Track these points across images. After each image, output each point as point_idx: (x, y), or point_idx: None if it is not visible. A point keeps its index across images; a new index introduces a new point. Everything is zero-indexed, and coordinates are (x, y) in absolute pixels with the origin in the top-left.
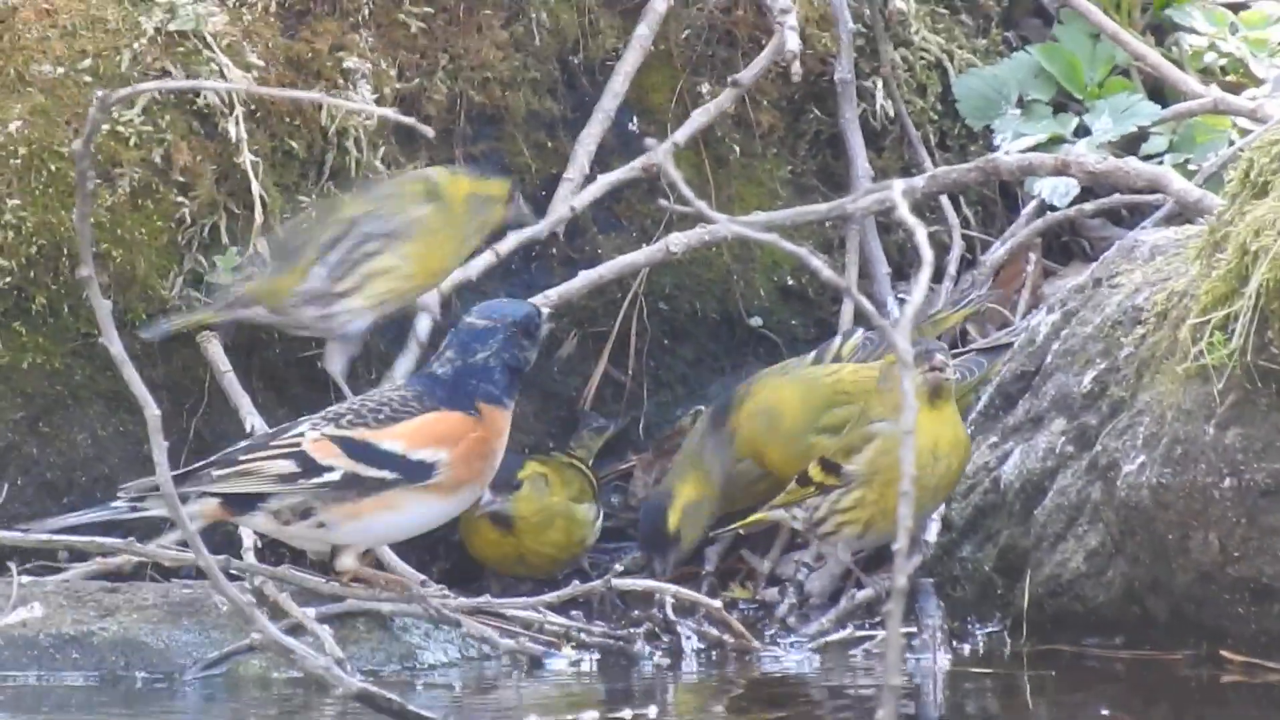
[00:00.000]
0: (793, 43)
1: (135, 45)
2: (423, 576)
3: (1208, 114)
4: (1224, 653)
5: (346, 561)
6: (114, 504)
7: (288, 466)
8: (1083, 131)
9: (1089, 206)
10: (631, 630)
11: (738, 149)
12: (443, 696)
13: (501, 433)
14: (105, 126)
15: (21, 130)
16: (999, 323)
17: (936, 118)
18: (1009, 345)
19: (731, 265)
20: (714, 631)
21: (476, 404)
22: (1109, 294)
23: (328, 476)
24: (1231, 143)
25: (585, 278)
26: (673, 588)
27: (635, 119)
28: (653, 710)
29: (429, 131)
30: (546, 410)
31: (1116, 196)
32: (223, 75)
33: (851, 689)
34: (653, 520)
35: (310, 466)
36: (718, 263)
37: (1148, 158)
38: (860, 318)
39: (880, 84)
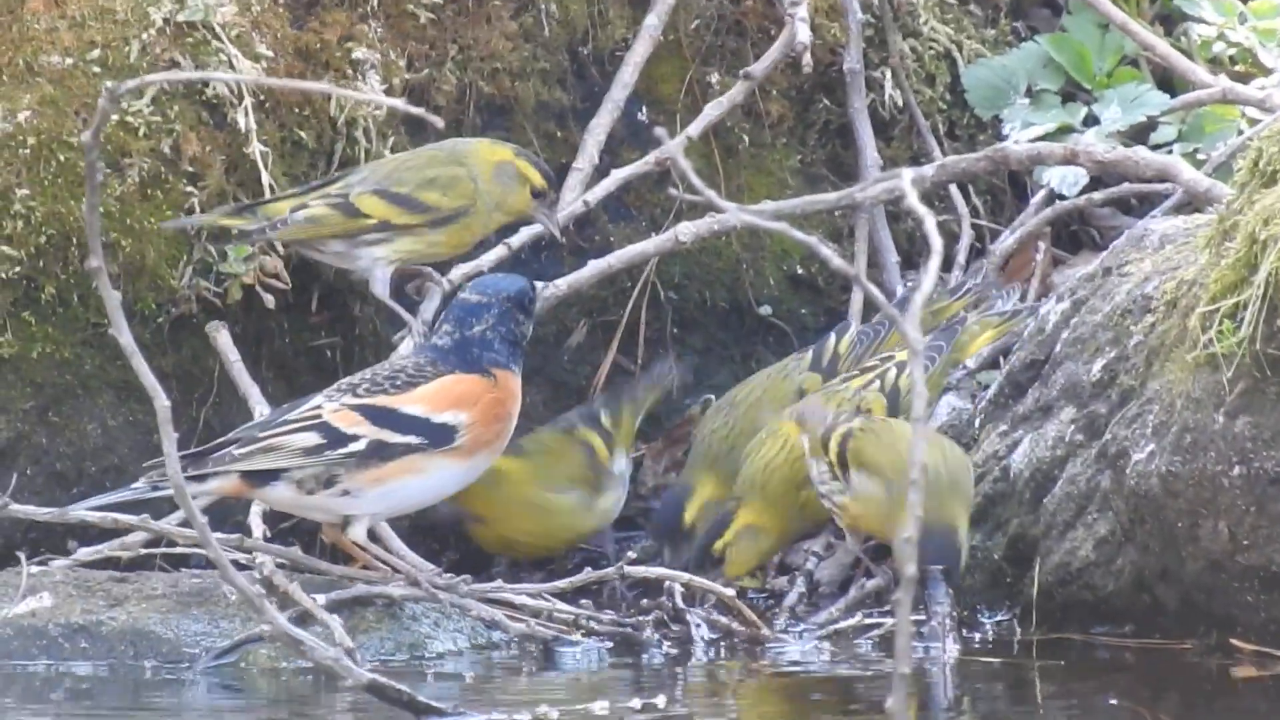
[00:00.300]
0: (804, 34)
1: (144, 36)
2: (433, 566)
3: (1216, 103)
4: (1234, 641)
5: (358, 533)
6: (135, 485)
7: (312, 439)
8: (1091, 121)
9: (1098, 195)
10: (641, 619)
11: (747, 139)
12: (452, 686)
13: (515, 395)
14: (114, 117)
15: (30, 120)
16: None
17: (945, 107)
18: (961, 321)
19: (741, 254)
20: (724, 620)
21: (488, 368)
22: (1118, 283)
23: (353, 446)
24: (1240, 132)
25: (595, 267)
26: (685, 575)
27: (644, 109)
28: (662, 699)
29: (439, 122)
30: (556, 399)
31: (1125, 186)
32: (231, 66)
33: (861, 678)
34: (670, 511)
35: (336, 437)
36: (727, 252)
37: (1156, 147)
38: (870, 308)
39: (889, 74)
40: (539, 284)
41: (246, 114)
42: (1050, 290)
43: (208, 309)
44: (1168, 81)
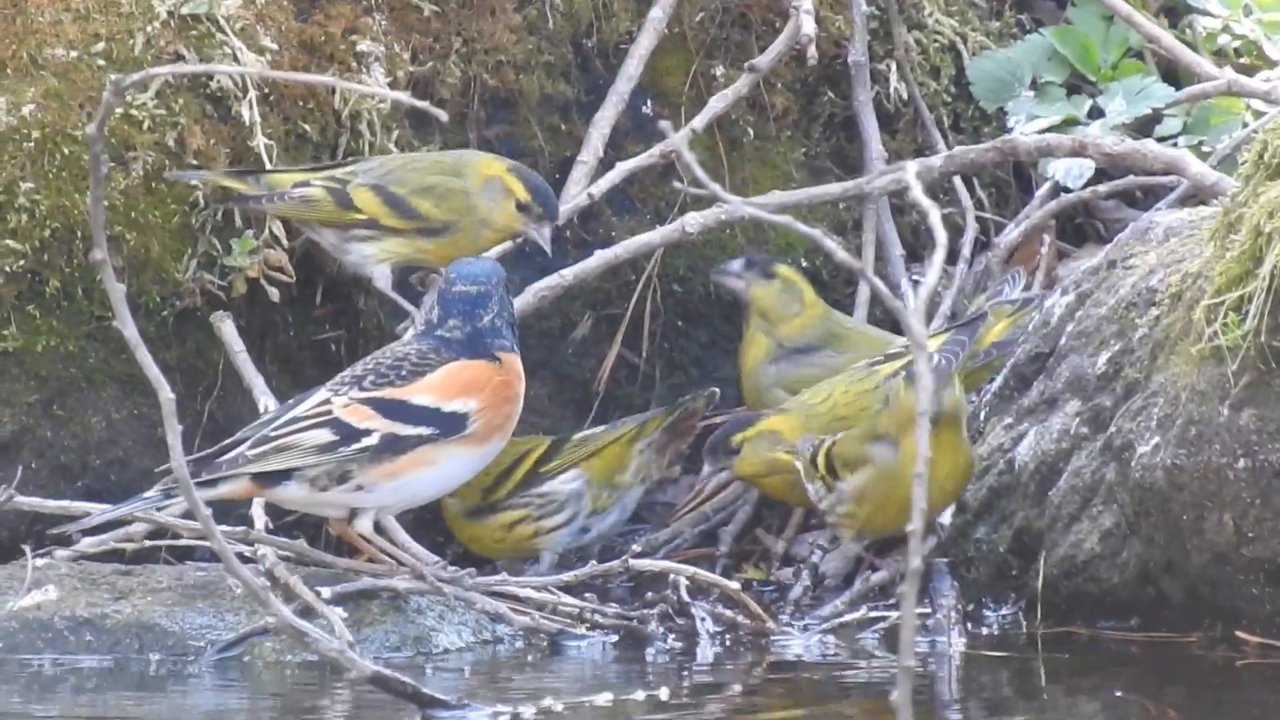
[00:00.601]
0: (808, 27)
1: (148, 29)
2: (437, 558)
3: (1222, 96)
4: (1239, 634)
5: (364, 526)
6: (147, 495)
7: (325, 436)
8: (1096, 114)
9: (1103, 188)
10: (645, 612)
11: (752, 131)
12: (457, 679)
13: (520, 375)
14: (118, 110)
15: (35, 114)
16: None
17: (950, 100)
18: (982, 316)
19: (746, 248)
20: (728, 613)
21: (494, 353)
22: (1123, 275)
23: (366, 441)
24: (1245, 125)
25: (601, 257)
26: (689, 569)
27: (649, 102)
28: (666, 692)
29: (442, 115)
30: (561, 392)
31: (1130, 178)
32: (236, 59)
33: (866, 671)
34: (726, 429)
35: (348, 433)
36: (732, 245)
37: (1161, 140)
38: (875, 301)
39: (894, 66)
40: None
41: (251, 107)
42: (1055, 283)
43: (212, 302)
44: (1173, 74)
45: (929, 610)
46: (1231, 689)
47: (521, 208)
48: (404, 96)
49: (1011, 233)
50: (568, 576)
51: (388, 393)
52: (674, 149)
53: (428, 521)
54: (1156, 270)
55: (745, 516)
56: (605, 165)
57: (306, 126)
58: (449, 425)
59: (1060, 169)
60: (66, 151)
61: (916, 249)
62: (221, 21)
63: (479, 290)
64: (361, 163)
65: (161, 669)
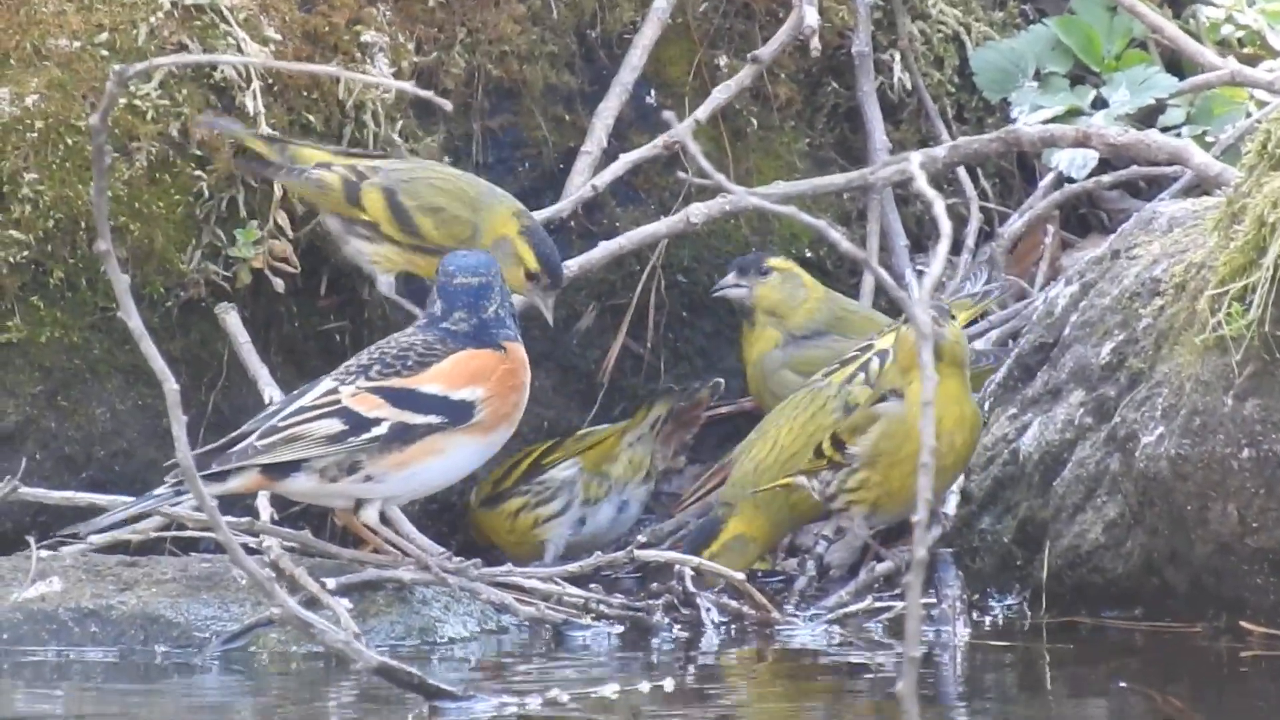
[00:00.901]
0: (811, 18)
1: (152, 19)
2: (442, 549)
3: (1225, 86)
4: (1243, 624)
5: (370, 515)
6: (158, 492)
7: (335, 425)
8: (1100, 104)
9: (1107, 179)
10: (651, 602)
11: (755, 122)
12: (462, 670)
13: (526, 366)
14: (122, 100)
15: (38, 104)
16: (1017, 294)
17: (954, 90)
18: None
19: (750, 238)
20: (733, 604)
21: (500, 343)
22: (1127, 266)
23: (376, 431)
24: (1249, 115)
25: (605, 248)
26: (694, 559)
27: (653, 92)
28: (671, 683)
29: (447, 105)
30: (565, 383)
31: (1134, 168)
32: (240, 49)
33: (871, 661)
34: (698, 536)
35: (357, 422)
36: (736, 236)
37: (1165, 130)
38: (880, 292)
39: (898, 57)
40: None
41: (255, 97)
42: (1059, 273)
43: (216, 293)
44: (1176, 64)
45: (934, 600)
46: (1235, 679)
47: (530, 276)
48: (408, 86)
49: (1015, 223)
50: (573, 567)
51: (396, 382)
52: (678, 140)
53: (433, 513)
54: (1160, 260)
55: None
56: (609, 156)
57: (310, 117)
58: (457, 413)
59: (1064, 159)
60: (70, 142)
61: (921, 239)
62: (225, 12)
63: (480, 282)
64: (390, 160)
65: (166, 660)
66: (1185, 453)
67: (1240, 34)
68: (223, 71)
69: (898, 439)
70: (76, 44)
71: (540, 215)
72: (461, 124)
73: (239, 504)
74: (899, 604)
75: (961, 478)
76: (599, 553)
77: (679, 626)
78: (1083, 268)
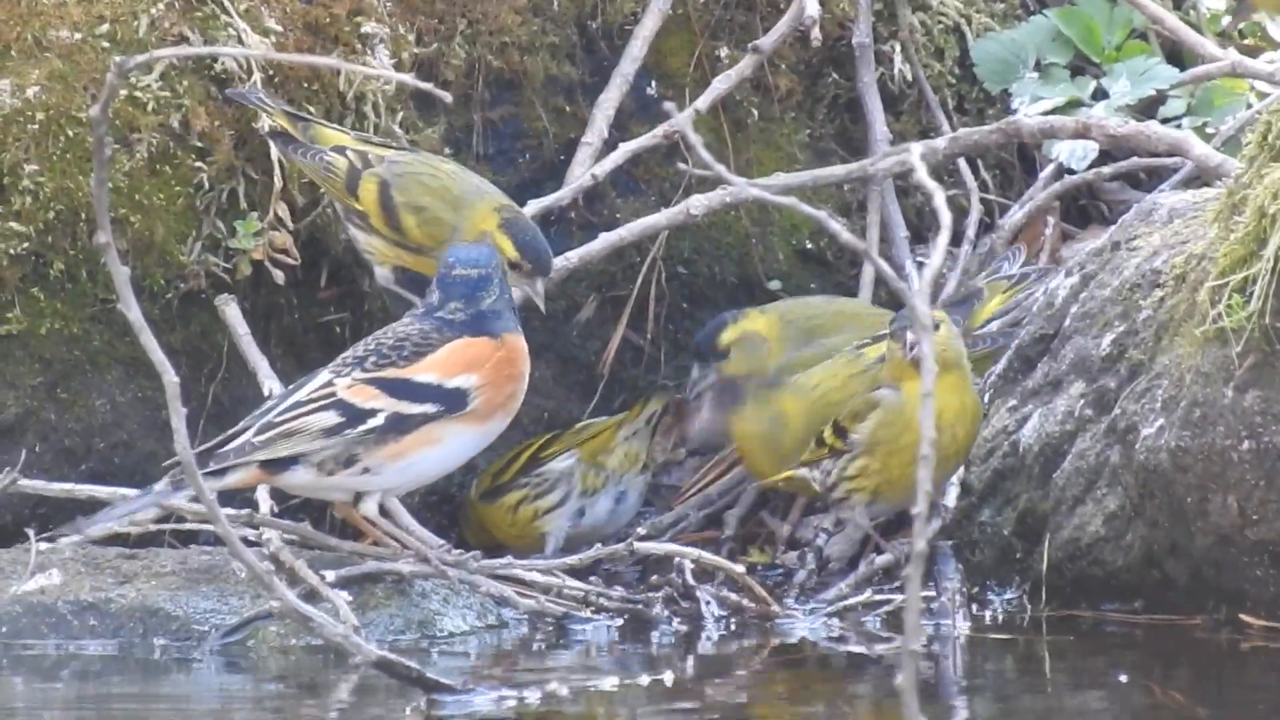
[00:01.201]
0: (812, 8)
1: (153, 10)
2: (442, 541)
3: (1225, 77)
4: (1243, 616)
5: (369, 508)
6: (157, 488)
7: (331, 418)
8: (1100, 95)
9: (1107, 170)
10: (651, 595)
11: (756, 113)
12: (462, 663)
13: (524, 355)
14: (123, 92)
15: (39, 95)
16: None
17: (954, 81)
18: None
19: (750, 229)
20: (733, 597)
21: (499, 335)
22: (1127, 257)
23: (372, 422)
24: (1249, 106)
25: (606, 239)
26: (694, 552)
27: (654, 83)
28: (671, 676)
29: (447, 97)
30: (566, 374)
31: (1134, 160)
32: (240, 40)
33: (870, 654)
34: (710, 330)
35: (354, 414)
36: (736, 227)
37: (1166, 121)
38: (880, 283)
39: (898, 48)
40: None
41: (255, 88)
42: (1059, 264)
43: (217, 284)
44: (1176, 55)
45: (933, 593)
46: (1235, 672)
47: (513, 266)
48: (408, 78)
49: (1016, 214)
50: (573, 560)
51: (391, 372)
52: (678, 129)
53: (433, 504)
54: (1161, 252)
55: (750, 499)
56: (610, 147)
57: (311, 108)
58: (452, 401)
59: (1064, 151)
60: (71, 133)
61: (921, 230)
62: (226, 3)
63: (479, 274)
64: (402, 152)
65: (166, 654)
66: (1185, 445)
67: (1241, 25)
68: (223, 63)
69: (895, 428)
70: (77, 35)
71: (539, 204)
72: (462, 115)
73: (238, 496)
74: (898, 597)
75: (961, 469)
76: (599, 545)
77: (679, 620)
78: (1083, 259)
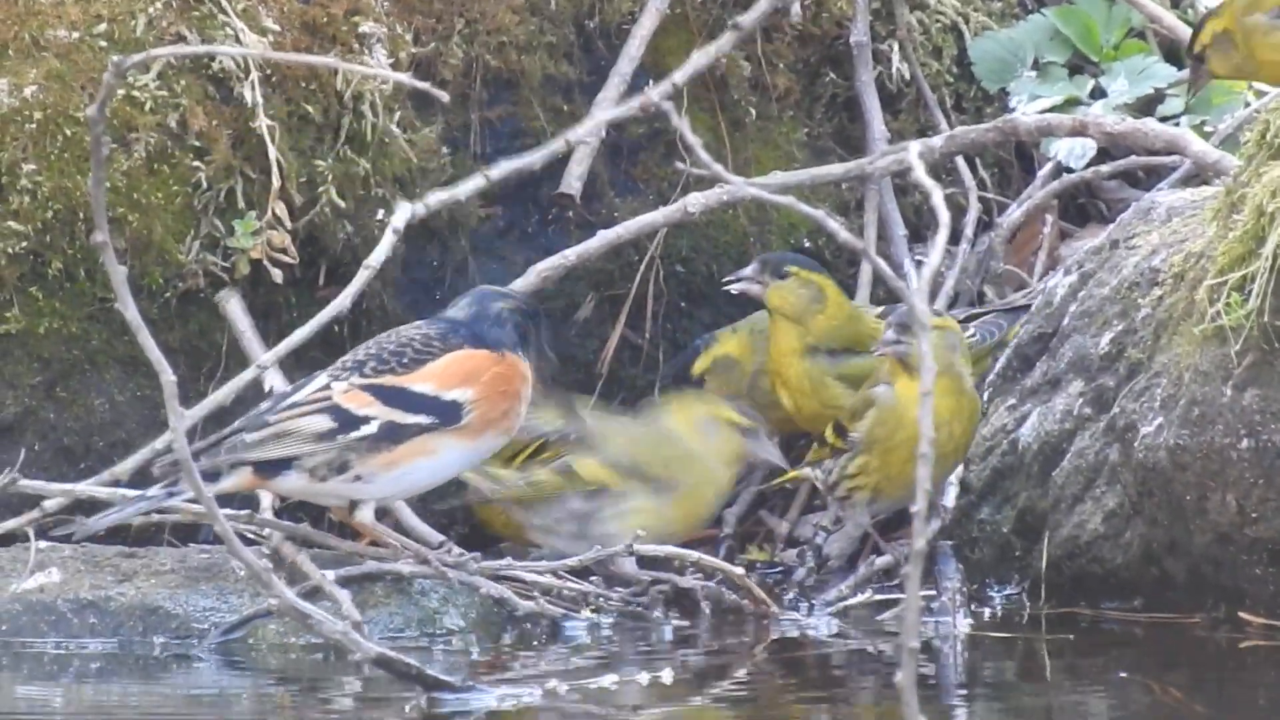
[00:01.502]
0: None
1: (150, 10)
2: (442, 538)
3: None
4: (1243, 614)
5: (365, 515)
6: (150, 493)
7: (324, 423)
8: (1099, 94)
9: (1105, 168)
10: (649, 595)
11: (754, 112)
12: (461, 661)
13: (525, 377)
14: (120, 91)
15: (37, 95)
16: (1016, 284)
17: (952, 80)
18: (1026, 307)
19: (748, 228)
20: (732, 596)
21: (501, 351)
22: (1126, 256)
23: (365, 430)
24: (1247, 104)
25: (604, 237)
26: (693, 553)
27: (651, 82)
28: (669, 675)
29: (444, 96)
30: (564, 373)
31: (1133, 158)
32: (238, 40)
33: (870, 653)
34: (684, 358)
35: (347, 420)
36: (734, 226)
37: (1164, 119)
38: (878, 281)
39: (896, 47)
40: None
41: (253, 88)
42: (1057, 263)
43: (215, 283)
44: (1175, 54)
45: (933, 592)
46: (1234, 670)
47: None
48: (405, 78)
49: (1014, 213)
50: (572, 560)
51: (388, 380)
52: (654, 103)
53: (434, 506)
54: (1159, 250)
55: (749, 498)
56: (607, 146)
57: (309, 107)
58: (446, 414)
59: (1062, 149)
60: (68, 133)
61: (919, 229)
62: (223, 3)
63: (498, 290)
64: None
65: (165, 652)
66: (1184, 443)
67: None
68: (221, 63)
69: (890, 426)
70: (75, 35)
71: (510, 164)
72: (459, 115)
73: (237, 496)
74: (898, 595)
75: (960, 468)
76: (598, 546)
77: (678, 619)
78: (1081, 258)
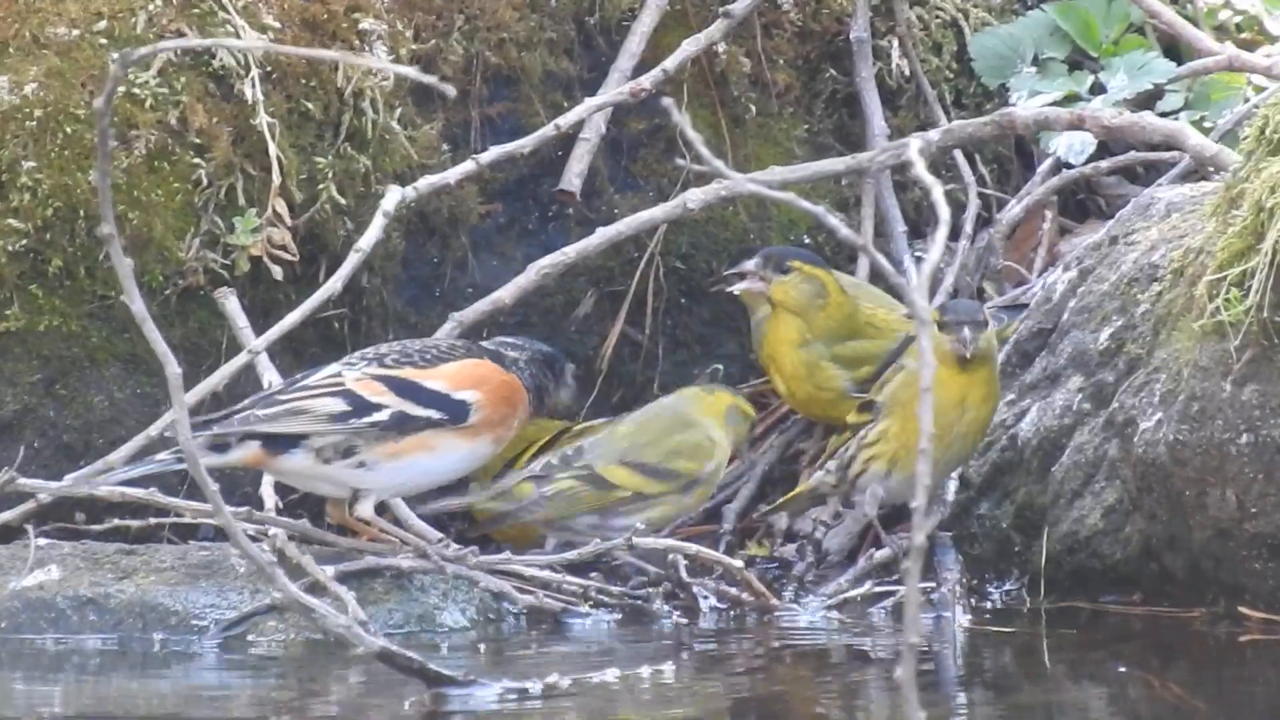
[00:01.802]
0: None
1: (150, 7)
2: (440, 535)
3: (1223, 71)
4: (1242, 609)
5: (365, 509)
6: (160, 457)
7: (338, 405)
8: (1098, 89)
9: (1105, 164)
10: (649, 590)
11: (754, 108)
12: (462, 656)
13: (525, 401)
14: (121, 89)
15: (37, 92)
16: (1015, 280)
17: (952, 76)
18: (1025, 305)
19: (748, 225)
20: (732, 590)
21: (509, 369)
22: (1125, 251)
23: (376, 416)
24: (1247, 100)
25: (603, 234)
26: (692, 547)
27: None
28: (670, 669)
29: (450, 90)
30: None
31: (1132, 154)
32: (238, 37)
33: (870, 647)
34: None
35: (360, 405)
36: (734, 222)
37: (1163, 115)
38: (877, 277)
39: (896, 43)
40: (569, 365)
41: (254, 85)
42: (1057, 259)
43: (215, 281)
44: (1174, 49)
45: (933, 586)
46: (1234, 664)
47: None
48: (411, 71)
49: (1013, 209)
50: (572, 555)
51: (404, 373)
52: (644, 88)
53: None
54: (1158, 246)
55: (749, 493)
56: (607, 142)
57: (309, 104)
58: (454, 411)
59: (1062, 145)
60: (69, 130)
61: (919, 225)
62: (224, 0)
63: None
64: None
65: (165, 648)
66: (1184, 438)
67: (1238, 19)
68: (221, 60)
69: (914, 388)
70: (75, 32)
71: (500, 150)
72: (460, 111)
73: (238, 493)
74: (898, 589)
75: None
76: (597, 540)
77: (678, 613)
78: (1081, 253)
